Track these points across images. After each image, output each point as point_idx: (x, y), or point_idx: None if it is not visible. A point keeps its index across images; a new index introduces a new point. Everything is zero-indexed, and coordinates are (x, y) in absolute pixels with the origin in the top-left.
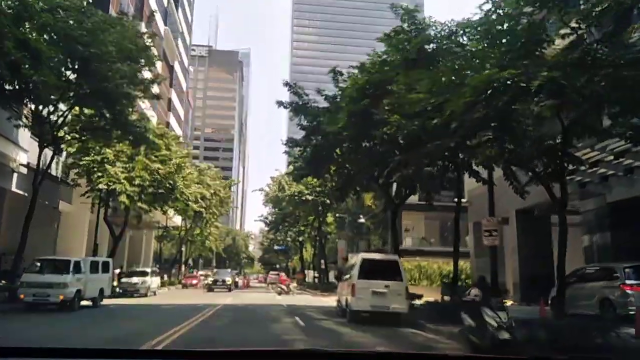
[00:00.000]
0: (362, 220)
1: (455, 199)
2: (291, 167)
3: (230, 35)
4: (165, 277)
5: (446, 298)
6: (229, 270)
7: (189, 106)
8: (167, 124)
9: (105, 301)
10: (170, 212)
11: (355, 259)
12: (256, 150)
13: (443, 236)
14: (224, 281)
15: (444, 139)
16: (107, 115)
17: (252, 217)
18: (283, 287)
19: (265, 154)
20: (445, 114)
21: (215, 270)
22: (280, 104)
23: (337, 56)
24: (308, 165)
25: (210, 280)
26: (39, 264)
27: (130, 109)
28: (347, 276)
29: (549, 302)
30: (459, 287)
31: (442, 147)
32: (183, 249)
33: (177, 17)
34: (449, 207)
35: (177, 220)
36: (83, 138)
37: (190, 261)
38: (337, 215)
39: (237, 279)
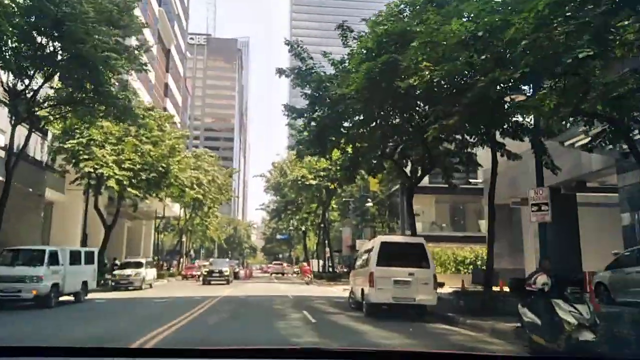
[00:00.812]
0: (369, 204)
1: (470, 181)
2: (292, 139)
3: (229, 24)
4: (165, 268)
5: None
6: (227, 259)
7: (187, 93)
8: (164, 110)
9: (92, 295)
10: (168, 200)
11: (371, 243)
12: (257, 140)
13: (454, 220)
14: (221, 272)
15: (503, 71)
16: (87, 86)
17: (254, 208)
18: (308, 276)
19: (267, 144)
20: (506, 37)
21: (210, 259)
22: (280, 72)
23: (336, 42)
24: (313, 139)
25: (205, 271)
26: (10, 254)
27: (113, 79)
28: (362, 263)
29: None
30: (494, 275)
31: (499, 81)
32: (183, 239)
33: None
34: (461, 190)
35: (177, 210)
36: (63, 114)
37: (192, 252)
38: (343, 198)
39: (237, 269)
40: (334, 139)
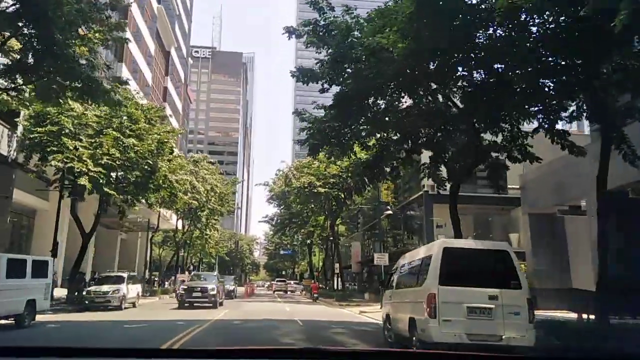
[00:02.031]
0: (389, 212)
1: (508, 187)
2: (301, 136)
3: (234, 41)
4: (158, 284)
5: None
6: (215, 273)
7: (188, 99)
8: (167, 124)
9: (53, 317)
10: (164, 211)
11: (424, 250)
12: (261, 157)
13: (478, 233)
14: (204, 290)
15: None
16: (36, 44)
17: (257, 220)
18: (316, 295)
19: (271, 161)
20: None
21: (193, 273)
22: (290, 31)
23: None
24: (335, 113)
25: (182, 288)
26: None
27: (82, 48)
28: (407, 279)
29: None
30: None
31: None
32: (181, 253)
33: None
34: (486, 199)
35: (175, 221)
36: (16, 87)
37: (191, 267)
38: (354, 210)
39: (232, 287)
40: (353, 130)
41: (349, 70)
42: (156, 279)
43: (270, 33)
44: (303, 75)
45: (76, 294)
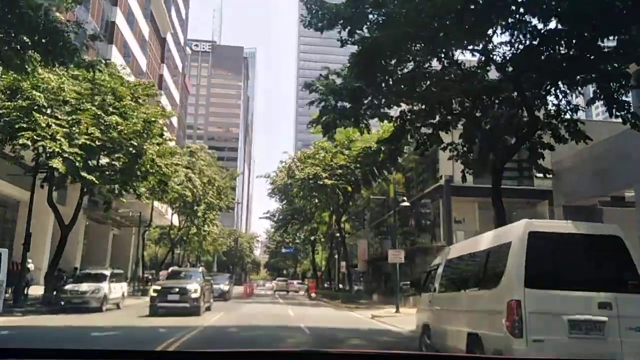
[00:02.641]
0: (406, 203)
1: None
2: (316, 111)
3: (235, 37)
4: (149, 283)
5: None
6: (200, 269)
7: (186, 90)
8: (158, 103)
9: (14, 320)
10: (163, 207)
11: (491, 236)
12: (262, 154)
13: None
14: (183, 292)
15: None
16: None
17: (258, 217)
18: (313, 295)
19: (272, 158)
20: None
21: (171, 269)
22: None
23: (345, 52)
24: (356, 72)
25: (153, 289)
26: None
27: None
28: (460, 277)
29: None
30: None
31: None
32: (177, 251)
33: None
34: (509, 191)
35: (171, 217)
36: None
37: (188, 265)
38: (369, 196)
39: (226, 287)
40: (372, 100)
41: (371, 16)
42: (150, 277)
43: (272, 29)
44: (314, 17)
45: (54, 293)
